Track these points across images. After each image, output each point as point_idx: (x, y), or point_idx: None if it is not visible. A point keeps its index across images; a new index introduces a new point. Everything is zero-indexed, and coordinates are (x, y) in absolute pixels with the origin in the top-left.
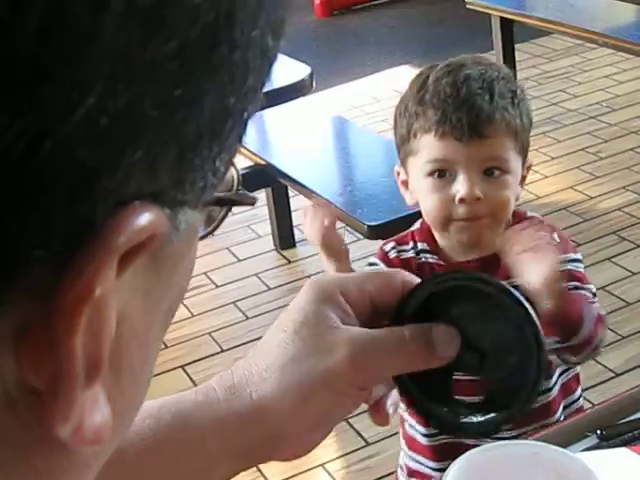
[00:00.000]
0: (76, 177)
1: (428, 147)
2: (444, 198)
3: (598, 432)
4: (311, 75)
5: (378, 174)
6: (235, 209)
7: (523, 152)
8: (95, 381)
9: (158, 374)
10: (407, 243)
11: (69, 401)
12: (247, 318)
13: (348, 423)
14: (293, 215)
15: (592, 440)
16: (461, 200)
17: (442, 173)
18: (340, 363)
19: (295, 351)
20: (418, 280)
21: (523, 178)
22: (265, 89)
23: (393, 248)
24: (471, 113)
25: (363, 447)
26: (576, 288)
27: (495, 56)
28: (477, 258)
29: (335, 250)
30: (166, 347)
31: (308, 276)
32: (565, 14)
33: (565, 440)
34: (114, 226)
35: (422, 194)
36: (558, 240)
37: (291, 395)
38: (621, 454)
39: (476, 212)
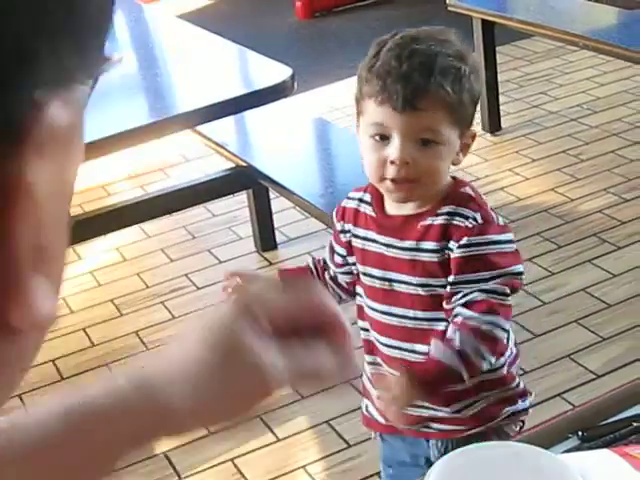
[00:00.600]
0: None
1: (371, 111)
2: (379, 158)
3: (579, 433)
4: (292, 77)
5: (359, 175)
6: (216, 212)
7: (461, 124)
8: (41, 267)
9: None
10: (359, 192)
11: (20, 288)
12: None
13: (329, 425)
14: (274, 217)
15: (573, 441)
16: (392, 162)
17: (383, 137)
18: (248, 375)
19: (206, 358)
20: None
21: (466, 146)
22: (246, 90)
23: (348, 197)
24: (407, 87)
25: (344, 449)
26: (492, 277)
27: (476, 57)
28: (401, 215)
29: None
30: (147, 349)
31: None
32: (546, 16)
33: (546, 441)
34: (31, 122)
35: (364, 151)
36: (480, 221)
37: (197, 400)
38: (602, 456)
39: (404, 175)
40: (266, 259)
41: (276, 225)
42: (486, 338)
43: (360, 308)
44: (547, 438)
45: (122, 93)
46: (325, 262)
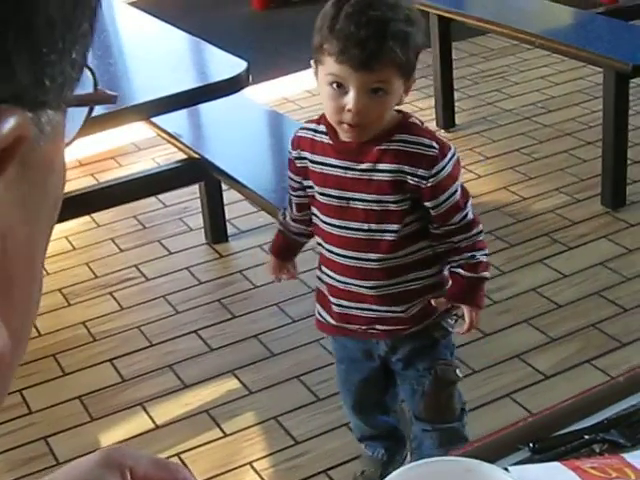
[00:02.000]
0: None
1: (330, 65)
2: (337, 106)
3: (530, 445)
4: (247, 70)
5: None
6: (167, 202)
7: (407, 74)
8: None
9: (87, 367)
10: (312, 123)
11: None
12: (177, 312)
13: (277, 421)
14: (226, 209)
15: (524, 453)
16: (349, 110)
17: (339, 85)
18: None
19: None
20: None
21: (408, 88)
22: (201, 83)
23: (302, 128)
24: (364, 52)
25: (292, 446)
26: (454, 192)
27: (432, 53)
28: (356, 142)
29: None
30: (94, 340)
31: (239, 271)
32: (502, 14)
33: (497, 453)
34: None
35: (324, 97)
36: (437, 146)
37: None
38: (553, 468)
39: (358, 120)
40: (216, 251)
41: (227, 217)
42: (477, 247)
43: (316, 226)
44: (498, 449)
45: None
46: (284, 214)
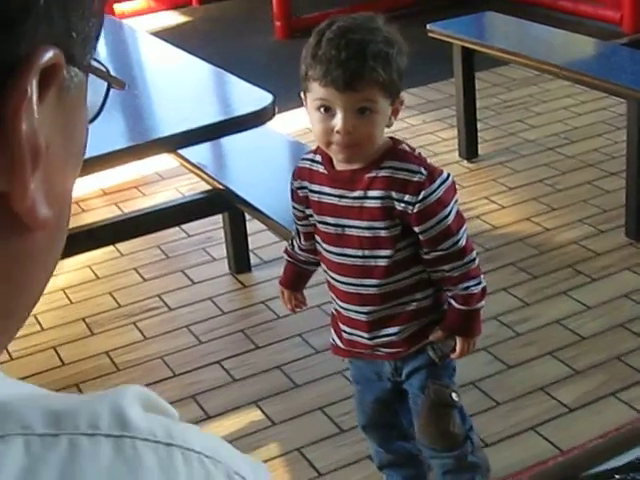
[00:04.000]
0: (6, 22)
1: (316, 90)
2: (326, 128)
3: None
4: (273, 103)
5: None
6: (190, 232)
7: (392, 95)
8: (37, 168)
9: None
10: (309, 154)
11: (24, 181)
12: (200, 342)
13: (300, 453)
14: (249, 239)
15: None
16: (337, 131)
17: (327, 109)
18: None
19: None
20: None
21: (396, 111)
22: (226, 116)
23: (302, 159)
24: (347, 72)
25: (315, 478)
26: (447, 214)
27: (455, 84)
28: (349, 169)
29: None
30: (118, 370)
31: (262, 301)
32: (525, 45)
33: None
34: (33, 55)
35: (313, 122)
36: (425, 172)
37: None
38: None
39: (347, 141)
40: (240, 281)
41: (251, 247)
42: (470, 275)
43: (320, 254)
44: None
45: (103, 113)
46: (292, 244)
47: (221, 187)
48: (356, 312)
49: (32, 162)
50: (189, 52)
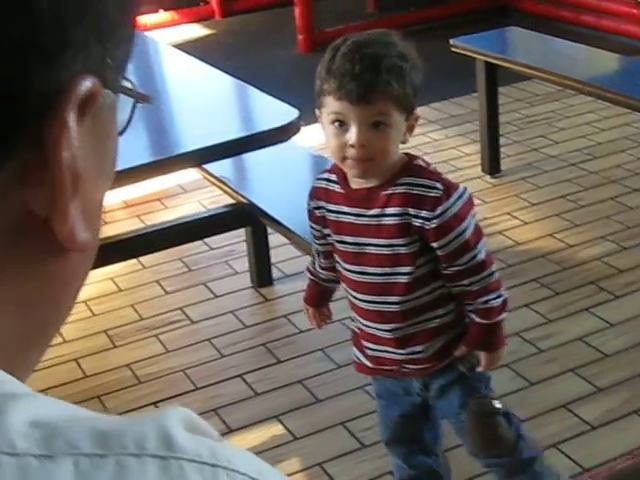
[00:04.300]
0: (47, 52)
1: (330, 104)
2: (341, 143)
3: None
4: (299, 118)
5: None
6: (213, 245)
7: (406, 110)
8: (77, 193)
9: (131, 410)
10: (325, 174)
11: (65, 206)
12: (222, 356)
13: (321, 468)
14: (271, 252)
15: None
16: (352, 145)
17: (341, 123)
18: None
19: None
20: None
21: (411, 127)
22: (251, 131)
23: (317, 179)
24: (360, 85)
25: None
26: (465, 229)
27: (478, 99)
28: (365, 187)
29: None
30: (140, 382)
31: (284, 315)
32: (548, 60)
33: None
34: (72, 84)
35: (328, 137)
36: (442, 187)
37: None
38: None
39: (362, 155)
40: (262, 295)
41: (273, 261)
42: (490, 289)
43: (339, 272)
44: None
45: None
46: (314, 262)
47: (244, 201)
48: (378, 329)
49: (72, 188)
50: (211, 65)
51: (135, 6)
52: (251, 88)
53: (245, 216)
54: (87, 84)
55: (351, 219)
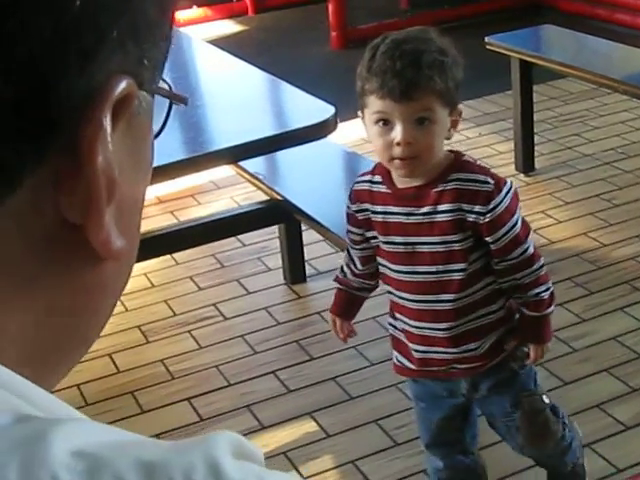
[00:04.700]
0: (81, 53)
1: (373, 104)
2: (386, 142)
3: None
4: (335, 115)
5: None
6: (246, 241)
7: (449, 105)
8: (113, 198)
9: (164, 406)
10: (366, 176)
11: (99, 214)
12: (255, 352)
13: (354, 465)
14: (305, 249)
15: None
16: (397, 143)
17: (385, 122)
18: None
19: None
20: None
21: (455, 122)
22: (287, 128)
23: (357, 182)
24: (402, 82)
25: None
26: (515, 223)
27: (513, 97)
28: (413, 186)
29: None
30: (173, 378)
31: (317, 312)
32: (583, 58)
33: None
34: (107, 86)
35: (372, 137)
36: (492, 182)
37: None
38: None
39: (408, 152)
40: (295, 292)
41: (306, 258)
42: (540, 282)
43: (384, 275)
44: None
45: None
46: (343, 271)
47: (278, 197)
48: (431, 329)
49: (107, 194)
50: (245, 61)
51: (173, 4)
52: (286, 84)
53: (279, 213)
54: (123, 85)
55: (400, 219)
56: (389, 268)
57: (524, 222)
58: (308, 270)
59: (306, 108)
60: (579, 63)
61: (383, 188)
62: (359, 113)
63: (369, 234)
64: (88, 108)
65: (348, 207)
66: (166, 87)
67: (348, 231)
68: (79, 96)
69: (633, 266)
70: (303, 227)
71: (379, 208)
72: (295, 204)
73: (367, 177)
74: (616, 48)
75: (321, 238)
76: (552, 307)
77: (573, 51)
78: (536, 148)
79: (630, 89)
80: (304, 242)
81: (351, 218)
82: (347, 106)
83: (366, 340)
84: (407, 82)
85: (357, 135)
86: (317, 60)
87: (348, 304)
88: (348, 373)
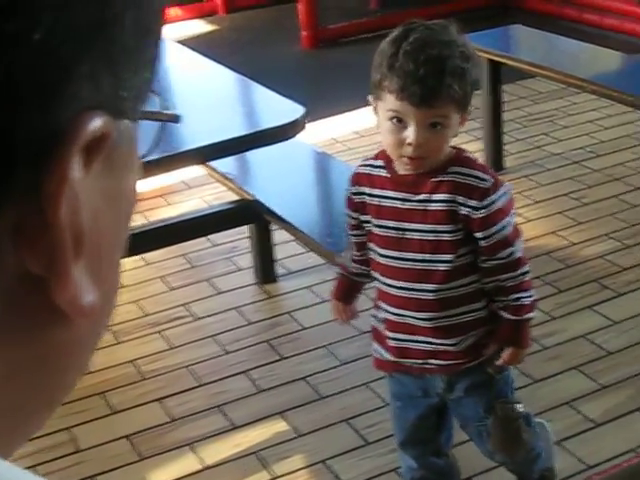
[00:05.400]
0: (42, 91)
1: (390, 101)
2: (398, 140)
3: None
4: (305, 116)
5: None
6: (216, 241)
7: (464, 109)
8: (81, 253)
9: (135, 406)
10: (368, 160)
11: (64, 271)
12: (226, 352)
13: (325, 465)
14: (275, 249)
15: None
16: (409, 144)
17: (399, 120)
18: None
19: None
20: None
21: (464, 120)
22: (257, 128)
23: (360, 165)
24: (424, 89)
25: None
26: (507, 224)
27: (482, 96)
28: (412, 174)
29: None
30: (144, 379)
31: (288, 312)
32: (552, 58)
33: None
34: (74, 127)
35: (384, 132)
36: (491, 180)
37: None
38: None
39: (418, 153)
40: (265, 292)
41: (277, 257)
42: (523, 287)
43: (373, 261)
44: None
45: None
46: (345, 256)
47: (248, 197)
48: (414, 318)
49: (74, 248)
50: (215, 61)
51: (156, 22)
52: (256, 85)
53: (249, 213)
54: (97, 124)
55: (396, 203)
56: (378, 253)
57: (516, 227)
58: (278, 270)
59: (276, 108)
60: (548, 63)
61: (383, 172)
62: (371, 101)
63: (363, 218)
64: (52, 153)
65: (348, 189)
66: (155, 110)
67: (347, 215)
68: (40, 139)
69: (602, 264)
70: (273, 227)
71: (376, 191)
72: (265, 204)
73: (369, 161)
74: (585, 48)
75: (291, 238)
76: (532, 314)
77: (542, 51)
78: (505, 147)
79: (598, 88)
80: (274, 242)
81: (349, 201)
82: (317, 106)
83: (337, 339)
84: (428, 90)
85: (327, 135)
86: (288, 60)
87: (348, 289)
88: (319, 372)
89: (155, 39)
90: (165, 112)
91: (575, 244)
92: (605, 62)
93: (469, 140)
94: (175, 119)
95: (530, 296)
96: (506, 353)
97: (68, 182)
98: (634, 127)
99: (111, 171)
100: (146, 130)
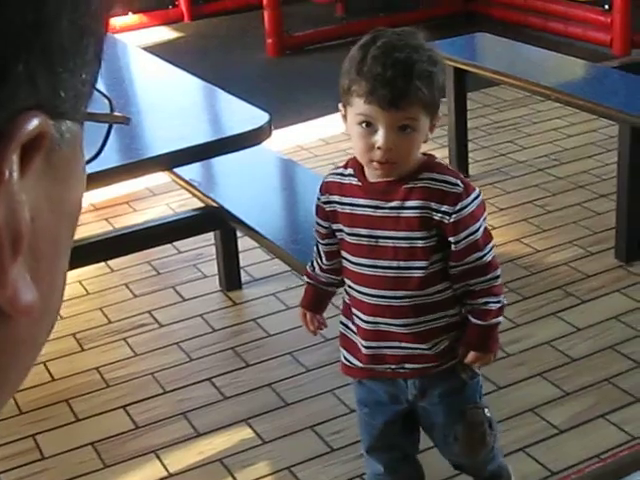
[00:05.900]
0: None
1: (359, 106)
2: (367, 144)
3: None
4: (270, 122)
5: None
6: (181, 248)
7: (432, 113)
8: (19, 253)
9: (100, 413)
10: (339, 169)
11: (2, 269)
12: (190, 360)
13: (290, 472)
14: (240, 256)
15: None
16: (378, 148)
17: (368, 124)
18: None
19: None
20: None
21: (433, 126)
22: (222, 135)
23: (330, 174)
24: (392, 91)
25: None
26: (478, 229)
27: (447, 104)
28: (384, 181)
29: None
30: (108, 386)
31: (253, 319)
32: (516, 66)
33: None
34: (11, 128)
35: (353, 137)
36: (462, 185)
37: None
38: None
39: (388, 157)
40: (230, 299)
41: (241, 264)
42: (491, 292)
43: (345, 269)
44: None
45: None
46: (312, 266)
47: (213, 204)
48: (388, 324)
49: (12, 248)
50: (180, 68)
51: (97, 22)
52: (221, 92)
53: (214, 219)
54: (32, 124)
55: (367, 211)
56: (350, 261)
57: (486, 231)
58: (243, 277)
59: (241, 115)
60: (512, 71)
61: (354, 181)
62: (340, 107)
63: (335, 226)
64: None
65: (318, 198)
66: (106, 104)
67: (316, 223)
68: None
69: (566, 271)
70: (238, 234)
71: (347, 200)
72: (230, 211)
73: (339, 170)
74: (549, 56)
75: (256, 245)
76: (499, 319)
77: (507, 59)
78: (470, 155)
79: (563, 97)
80: (239, 249)
81: (319, 210)
82: (282, 113)
83: (302, 346)
84: (397, 92)
85: (293, 142)
86: (253, 67)
87: (317, 298)
88: (284, 379)
89: (95, 39)
90: (115, 114)
91: (539, 251)
92: (569, 70)
93: (434, 147)
94: (125, 121)
95: (499, 301)
96: (470, 355)
97: (4, 182)
98: (598, 135)
99: (55, 174)
100: (97, 133)
